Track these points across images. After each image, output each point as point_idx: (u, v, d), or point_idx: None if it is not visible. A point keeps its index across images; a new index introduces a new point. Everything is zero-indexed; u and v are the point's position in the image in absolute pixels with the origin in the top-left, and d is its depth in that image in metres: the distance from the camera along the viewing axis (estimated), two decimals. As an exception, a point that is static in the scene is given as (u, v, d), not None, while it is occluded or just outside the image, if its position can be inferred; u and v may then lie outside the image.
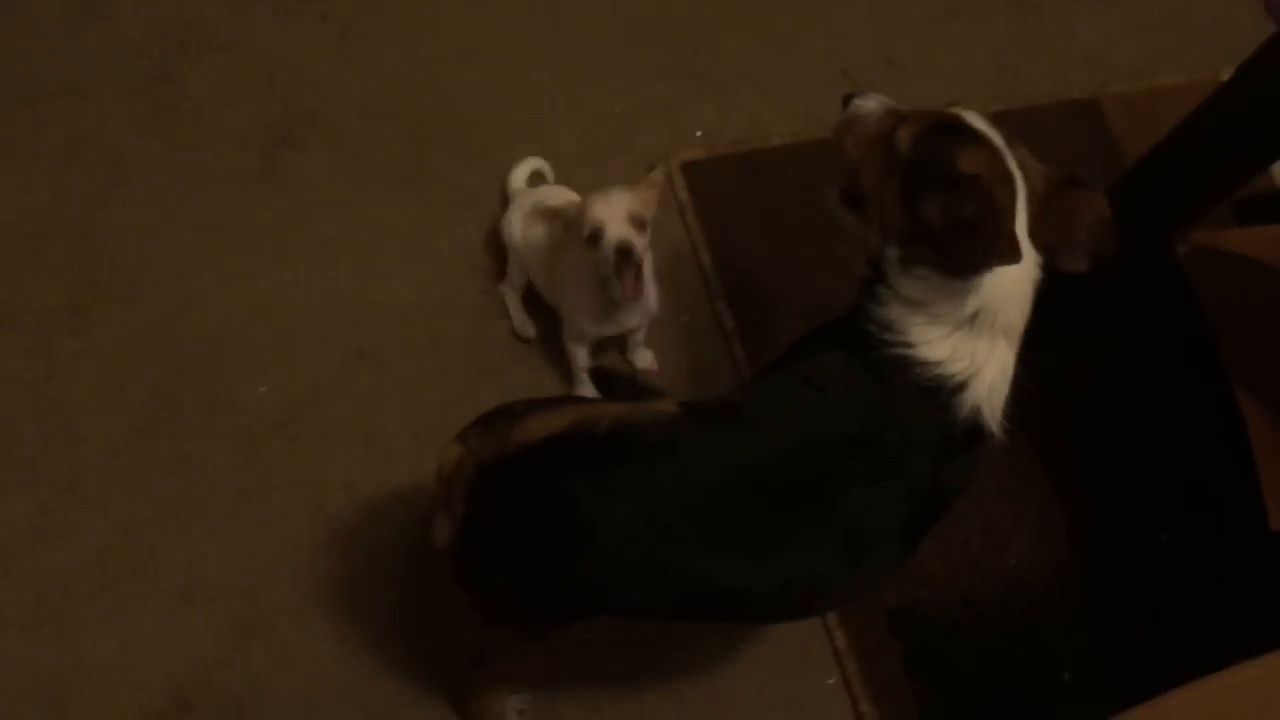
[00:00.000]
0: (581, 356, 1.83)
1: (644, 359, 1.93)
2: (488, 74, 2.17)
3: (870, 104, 1.42)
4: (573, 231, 1.69)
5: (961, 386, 1.28)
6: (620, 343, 1.93)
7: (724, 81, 2.22)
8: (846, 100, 1.43)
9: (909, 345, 1.28)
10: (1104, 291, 1.91)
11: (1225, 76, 1.64)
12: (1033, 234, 1.32)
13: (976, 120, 1.33)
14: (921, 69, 2.30)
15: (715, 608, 1.32)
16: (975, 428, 1.30)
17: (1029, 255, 1.30)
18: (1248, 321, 1.84)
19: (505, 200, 1.99)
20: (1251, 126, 1.54)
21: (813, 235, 2.08)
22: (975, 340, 1.29)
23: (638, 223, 1.62)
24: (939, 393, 1.27)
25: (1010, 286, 1.29)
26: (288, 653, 1.65)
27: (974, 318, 1.28)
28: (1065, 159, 2.17)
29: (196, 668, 1.63)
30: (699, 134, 2.16)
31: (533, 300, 1.91)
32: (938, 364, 1.27)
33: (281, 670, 1.64)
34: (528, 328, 1.92)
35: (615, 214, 1.61)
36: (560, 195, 1.91)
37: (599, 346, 1.89)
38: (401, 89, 2.13)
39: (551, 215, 1.82)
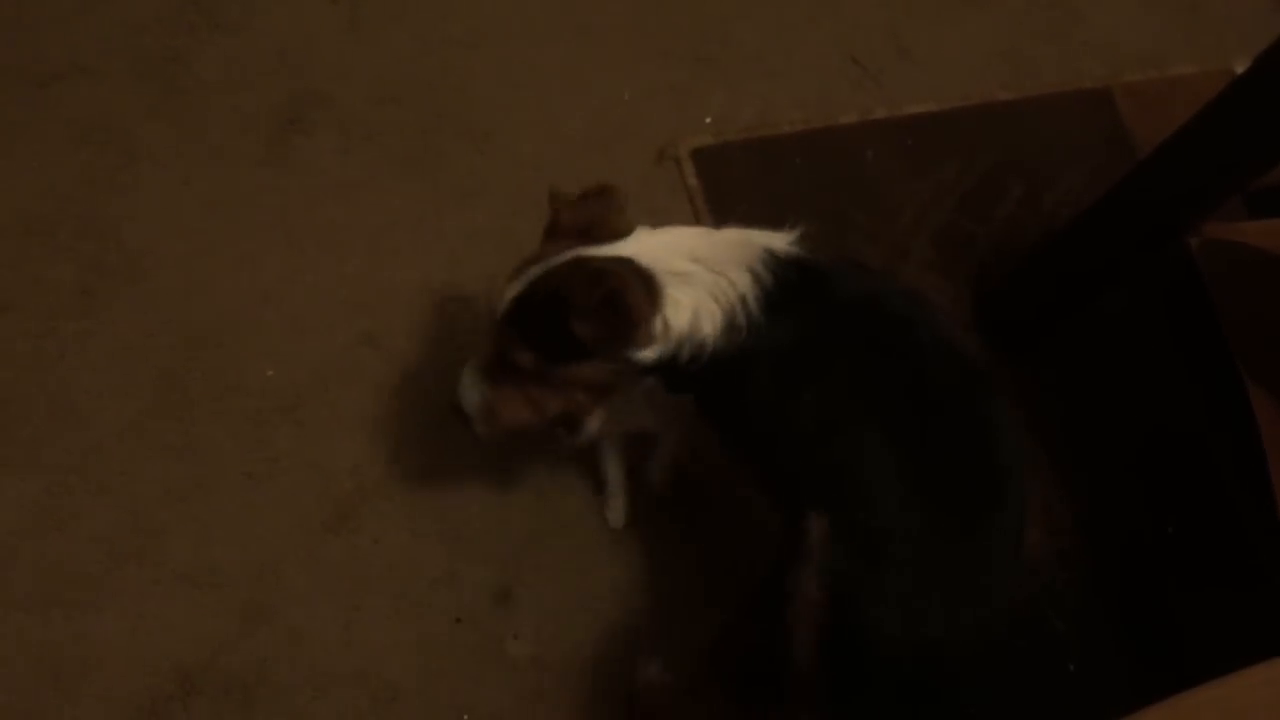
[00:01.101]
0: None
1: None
2: (497, 58, 2.16)
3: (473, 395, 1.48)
4: None
5: None
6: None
7: (734, 68, 2.21)
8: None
9: None
10: (1111, 283, 1.90)
11: (1238, 67, 1.63)
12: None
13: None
14: (933, 56, 2.29)
15: None
16: None
17: None
18: (1259, 313, 1.83)
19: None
20: (1268, 118, 1.53)
21: (822, 222, 2.06)
22: None
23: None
24: None
25: None
26: (294, 636, 1.66)
27: None
28: (1076, 148, 2.20)
29: (202, 651, 1.63)
30: (709, 120, 2.15)
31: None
32: None
33: (287, 654, 1.64)
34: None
35: None
36: None
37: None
38: (411, 72, 2.12)
39: None
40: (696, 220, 2.05)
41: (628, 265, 1.35)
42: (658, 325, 1.34)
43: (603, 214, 1.44)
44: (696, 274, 1.36)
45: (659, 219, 2.01)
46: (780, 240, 1.42)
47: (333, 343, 1.85)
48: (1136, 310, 2.03)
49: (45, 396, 1.76)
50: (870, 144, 2.16)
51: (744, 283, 1.35)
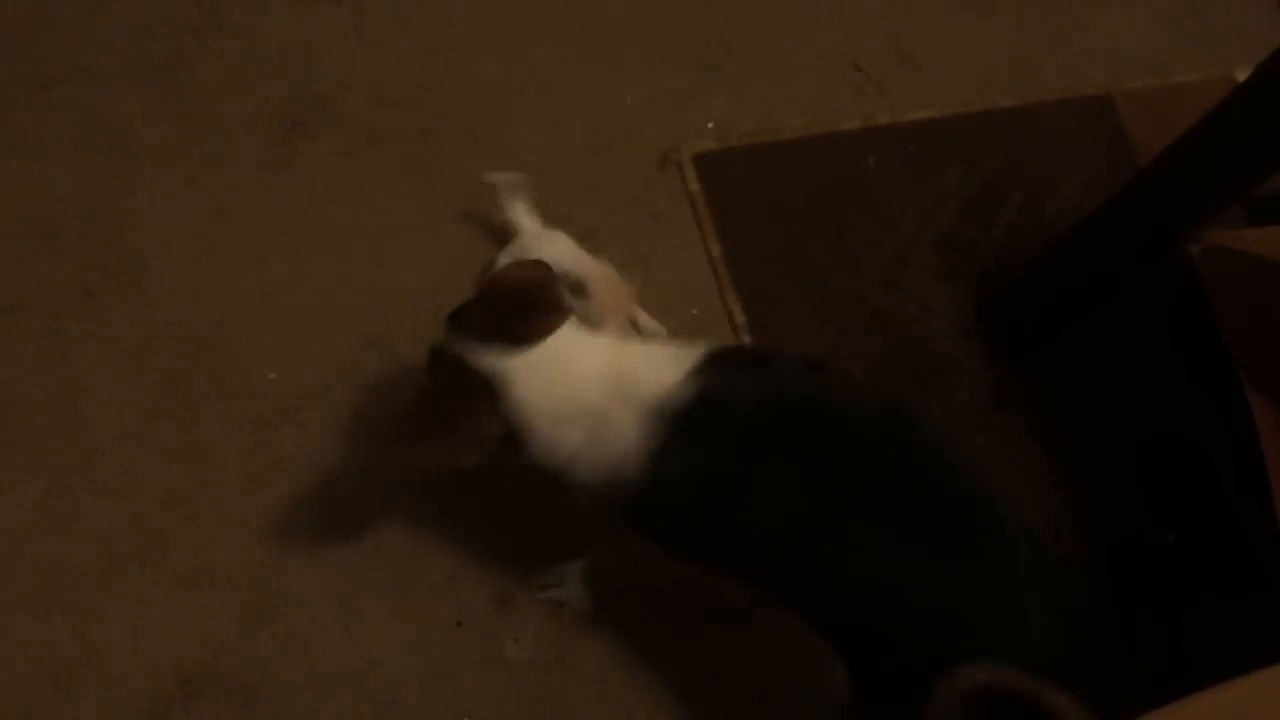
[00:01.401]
0: None
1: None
2: (500, 62, 2.16)
3: None
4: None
5: None
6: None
7: (737, 74, 2.22)
8: None
9: None
10: (1112, 290, 1.91)
11: (1240, 75, 1.63)
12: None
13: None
14: (935, 63, 2.30)
15: None
16: None
17: None
18: (1260, 321, 1.83)
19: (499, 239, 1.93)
20: (1269, 126, 1.54)
21: (823, 228, 2.08)
22: None
23: None
24: None
25: None
26: (294, 639, 1.66)
27: None
28: (1077, 155, 2.20)
29: (203, 653, 1.63)
30: (711, 126, 2.16)
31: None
32: None
33: (288, 657, 1.64)
34: None
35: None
36: (557, 245, 1.84)
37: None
38: (414, 76, 2.12)
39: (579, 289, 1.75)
40: (698, 225, 2.05)
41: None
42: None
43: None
44: (581, 420, 1.37)
45: (661, 224, 2.04)
46: (677, 370, 1.38)
47: (335, 345, 1.86)
48: (1138, 317, 2.03)
49: (47, 397, 1.76)
50: (872, 150, 2.16)
51: (631, 438, 1.35)
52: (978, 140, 2.20)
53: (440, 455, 1.39)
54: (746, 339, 1.95)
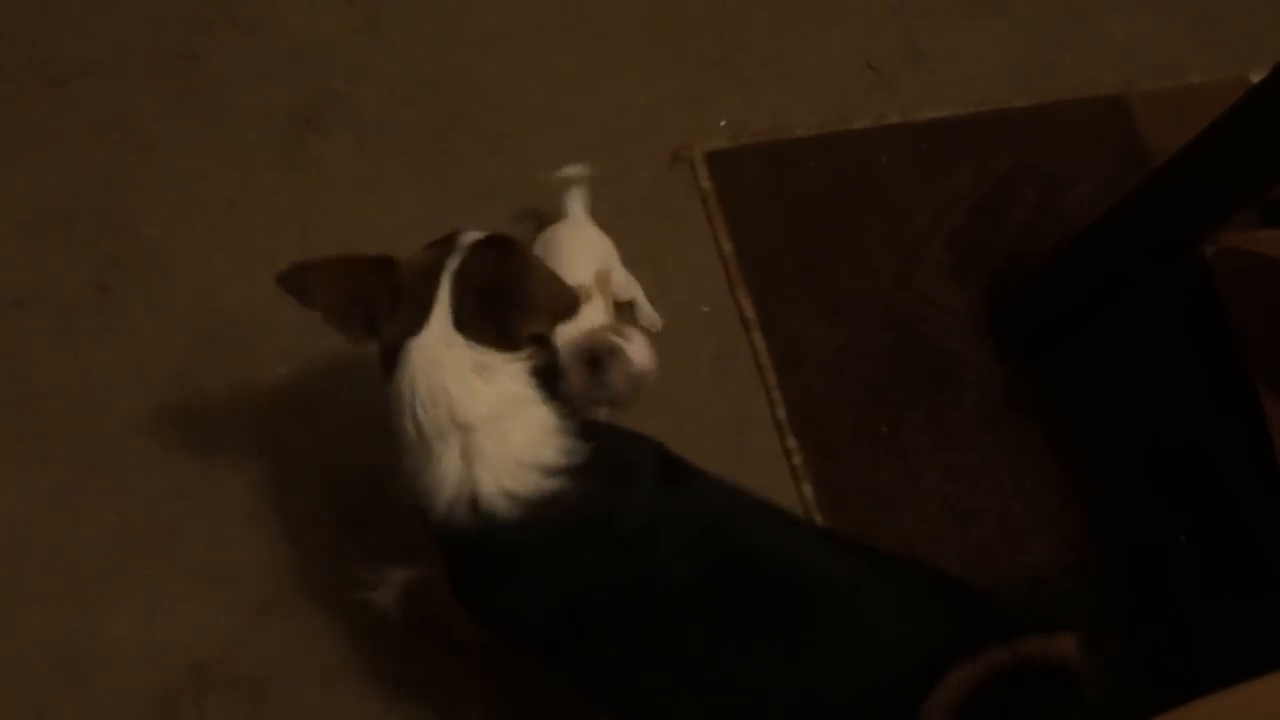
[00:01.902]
0: None
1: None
2: (512, 60, 2.16)
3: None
4: None
5: None
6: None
7: (749, 72, 2.22)
8: None
9: None
10: (1125, 291, 1.90)
11: (1255, 76, 1.63)
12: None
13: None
14: (948, 62, 2.29)
15: None
16: None
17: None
18: (1274, 323, 1.83)
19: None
20: (1285, 128, 1.53)
21: (835, 228, 2.08)
22: None
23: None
24: None
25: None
26: (306, 634, 1.66)
27: None
28: (1090, 156, 2.20)
29: (215, 647, 1.64)
30: (723, 124, 2.15)
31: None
32: None
33: (299, 651, 1.65)
34: None
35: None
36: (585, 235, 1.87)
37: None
38: (426, 73, 2.12)
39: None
40: (709, 223, 2.05)
41: None
42: None
43: None
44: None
45: (673, 222, 2.04)
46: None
47: (345, 343, 1.85)
48: (1151, 318, 2.03)
49: (61, 391, 1.77)
50: (884, 149, 2.16)
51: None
52: (990, 140, 2.19)
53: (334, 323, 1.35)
54: (757, 336, 1.95)
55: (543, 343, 1.34)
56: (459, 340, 1.28)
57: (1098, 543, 1.86)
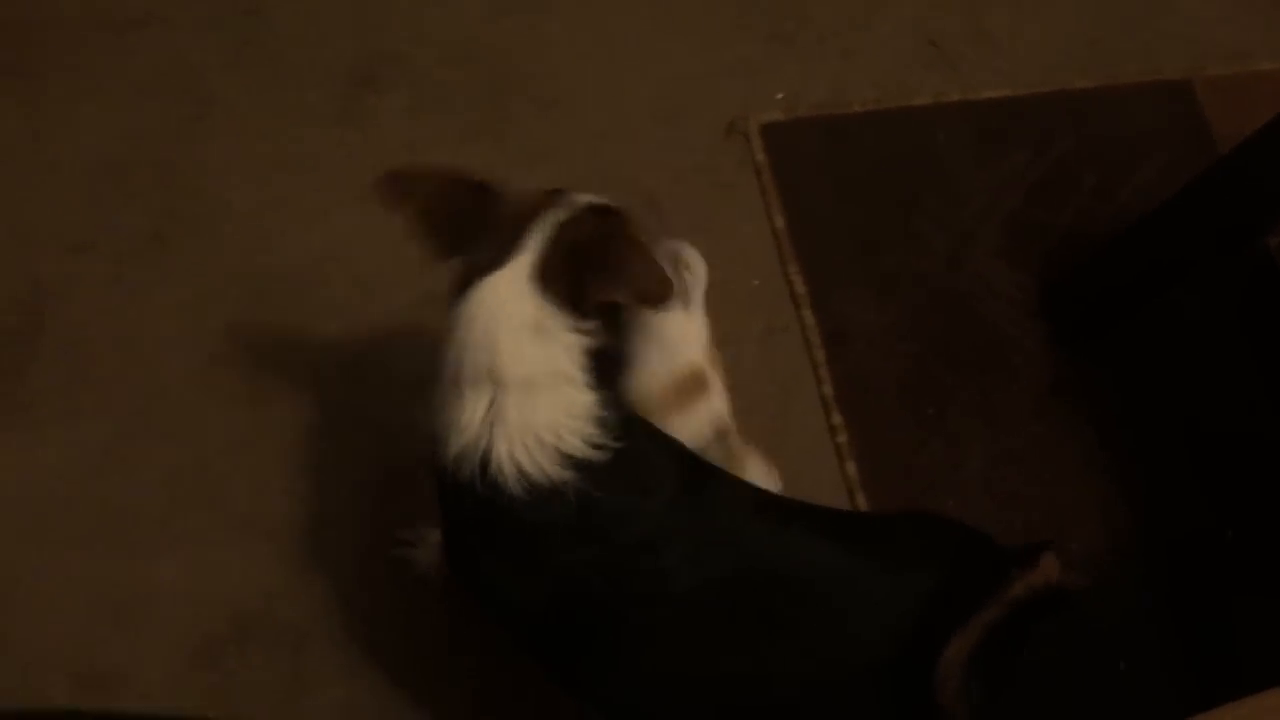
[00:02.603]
0: None
1: None
2: (569, 25, 2.15)
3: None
4: None
5: None
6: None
7: (808, 45, 2.19)
8: None
9: None
10: (1184, 280, 1.87)
11: (1330, 65, 1.59)
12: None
13: None
14: (1011, 41, 2.26)
15: None
16: None
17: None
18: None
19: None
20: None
21: (889, 204, 2.06)
22: None
23: None
24: None
25: None
26: (348, 590, 1.68)
27: None
28: (1153, 141, 2.16)
29: (258, 598, 1.66)
30: (780, 96, 2.14)
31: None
32: None
33: (341, 607, 1.66)
34: None
35: None
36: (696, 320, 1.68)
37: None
38: (482, 35, 2.12)
39: None
40: (762, 195, 2.03)
41: None
42: None
43: None
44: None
45: (725, 194, 2.03)
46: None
47: (395, 301, 1.86)
48: (1209, 308, 1.99)
49: (115, 340, 1.79)
50: (943, 127, 2.13)
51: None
52: (1051, 121, 2.16)
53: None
54: (806, 312, 1.94)
55: (613, 325, 1.29)
56: (529, 292, 1.22)
57: (1143, 534, 1.84)
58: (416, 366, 1.81)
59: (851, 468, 1.83)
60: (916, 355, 1.94)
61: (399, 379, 1.81)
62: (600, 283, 1.22)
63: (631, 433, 1.27)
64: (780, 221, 2.01)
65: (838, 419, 1.86)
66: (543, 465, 1.21)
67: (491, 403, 1.22)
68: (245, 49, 2.03)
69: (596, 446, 1.22)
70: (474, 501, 1.23)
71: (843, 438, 1.85)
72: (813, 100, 2.13)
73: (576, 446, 1.21)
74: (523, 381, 1.21)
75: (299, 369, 1.80)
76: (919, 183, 2.08)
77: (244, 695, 1.61)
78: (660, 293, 1.25)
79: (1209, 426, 1.95)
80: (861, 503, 1.80)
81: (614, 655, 1.28)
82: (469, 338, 1.23)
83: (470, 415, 1.22)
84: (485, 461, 1.21)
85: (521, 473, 1.21)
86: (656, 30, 2.17)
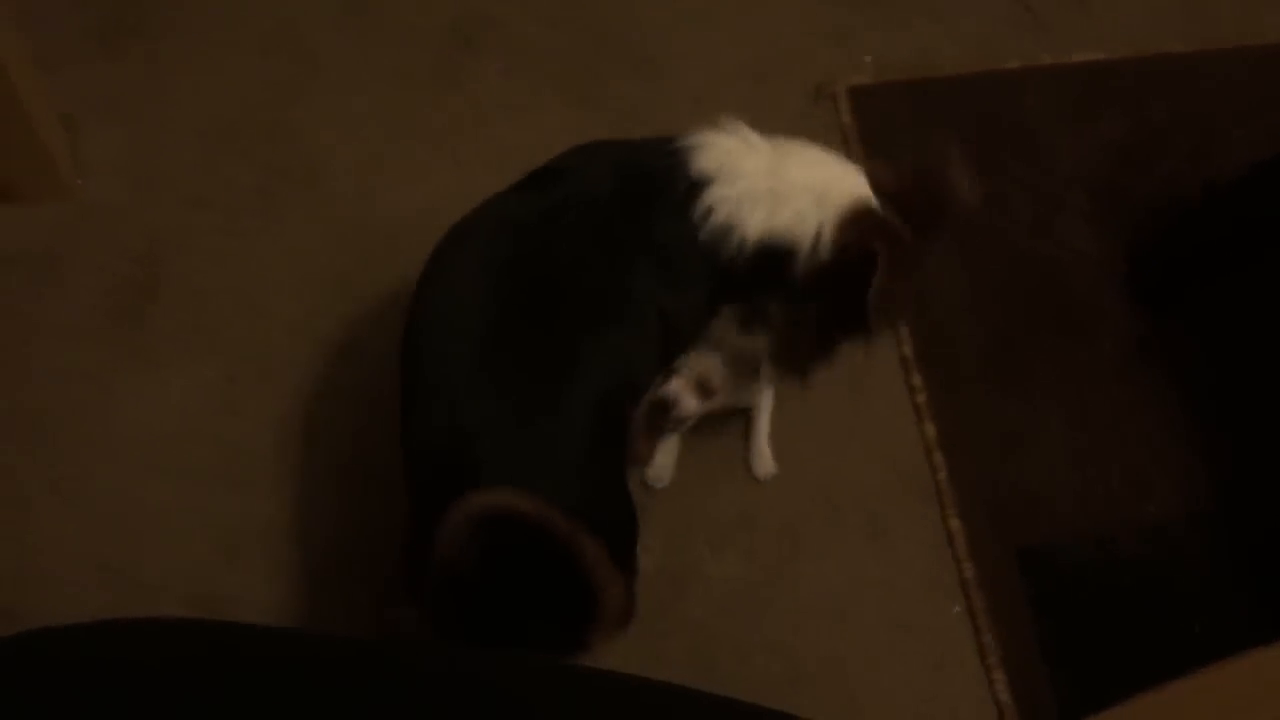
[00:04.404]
0: None
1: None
2: (663, -12, 2.19)
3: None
4: None
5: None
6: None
7: (899, 7, 2.21)
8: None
9: None
10: (1275, 246, 1.85)
11: None
12: None
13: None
14: (1105, 4, 2.25)
15: None
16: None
17: None
18: None
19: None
20: None
21: (975, 168, 2.06)
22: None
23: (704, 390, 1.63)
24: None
25: None
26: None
27: None
28: (1250, 107, 2.13)
29: (359, 530, 1.75)
30: (868, 59, 2.15)
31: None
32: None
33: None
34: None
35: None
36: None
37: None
38: (578, -2, 2.17)
39: None
40: (849, 158, 2.04)
41: None
42: None
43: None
44: None
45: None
46: None
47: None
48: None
49: (227, 289, 1.89)
50: (1032, 91, 2.13)
51: None
52: (1145, 85, 2.14)
53: None
54: (889, 274, 1.96)
55: None
56: None
57: (1223, 501, 1.84)
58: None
59: (930, 428, 1.86)
60: (998, 317, 1.95)
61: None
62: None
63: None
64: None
65: (917, 379, 1.89)
66: None
67: None
68: (351, 12, 2.11)
69: None
70: None
71: (921, 398, 1.88)
72: (901, 63, 2.15)
73: None
74: None
75: (397, 323, 1.87)
76: (1006, 146, 2.08)
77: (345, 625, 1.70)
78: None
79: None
80: (939, 462, 1.83)
81: None
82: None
83: None
84: None
85: None
86: (751, -6, 2.20)
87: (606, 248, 1.39)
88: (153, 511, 1.72)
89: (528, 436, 1.31)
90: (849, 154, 2.06)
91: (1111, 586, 1.78)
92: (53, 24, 2.07)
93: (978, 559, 1.77)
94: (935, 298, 1.95)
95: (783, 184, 1.40)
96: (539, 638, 1.32)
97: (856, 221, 1.40)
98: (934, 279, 1.96)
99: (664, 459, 1.78)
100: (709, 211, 1.39)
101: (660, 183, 1.41)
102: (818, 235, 1.40)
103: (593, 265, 1.38)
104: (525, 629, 1.31)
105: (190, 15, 2.10)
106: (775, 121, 2.05)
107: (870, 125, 2.07)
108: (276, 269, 1.91)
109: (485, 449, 1.29)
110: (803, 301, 1.47)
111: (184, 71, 2.05)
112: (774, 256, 1.41)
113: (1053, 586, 1.76)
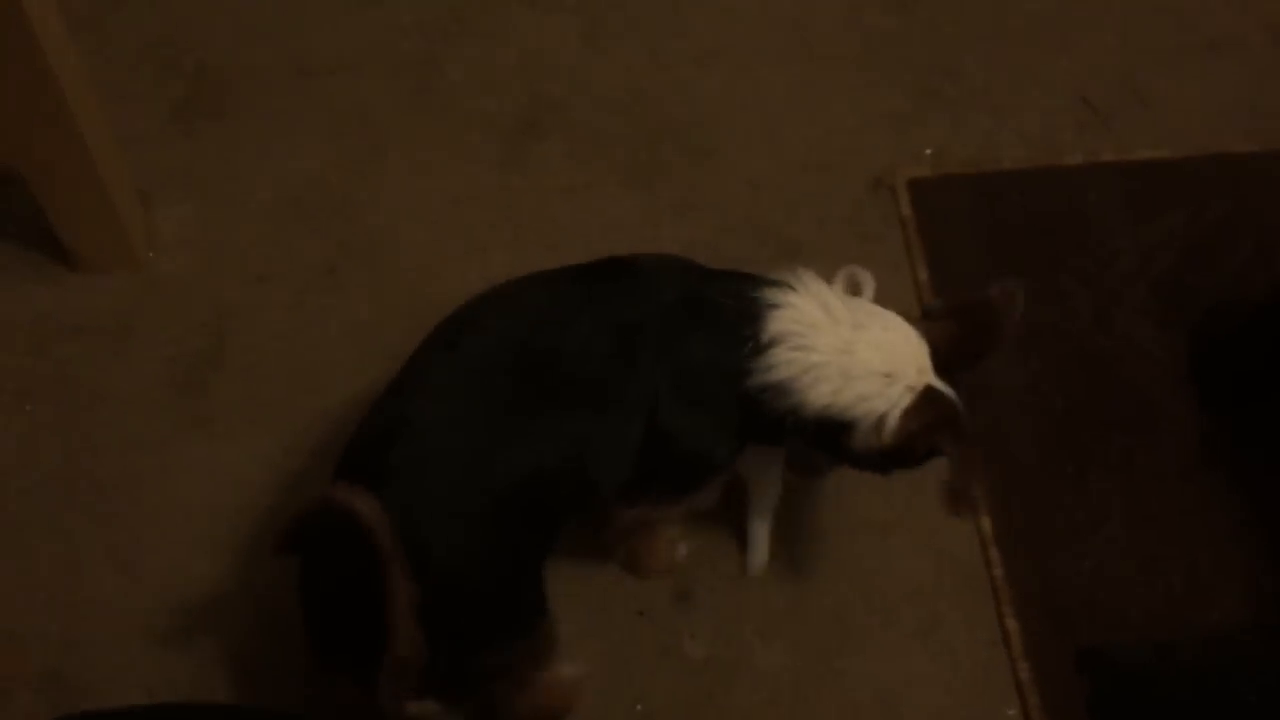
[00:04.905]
0: None
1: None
2: (725, 77, 2.23)
3: None
4: None
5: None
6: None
7: (960, 101, 2.22)
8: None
9: None
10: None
11: None
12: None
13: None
14: (1168, 103, 2.24)
15: None
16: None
17: None
18: None
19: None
20: None
21: (1035, 263, 2.06)
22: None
23: None
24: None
25: None
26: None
27: None
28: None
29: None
30: (929, 152, 2.17)
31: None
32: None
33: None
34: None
35: None
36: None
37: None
38: (641, 85, 2.21)
39: None
40: (906, 250, 2.06)
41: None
42: None
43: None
44: None
45: (869, 245, 2.06)
46: None
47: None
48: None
49: (288, 362, 1.92)
50: (1094, 187, 2.13)
51: None
52: (1208, 184, 2.13)
53: None
54: (946, 366, 1.95)
55: None
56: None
57: (1289, 609, 1.79)
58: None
59: (986, 523, 1.83)
60: (1058, 413, 1.93)
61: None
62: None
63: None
64: (924, 274, 2.03)
65: (974, 473, 1.87)
66: None
67: None
68: (420, 95, 2.17)
69: None
70: None
71: (977, 491, 1.85)
72: (961, 156, 2.16)
73: None
74: None
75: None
76: (1067, 241, 2.07)
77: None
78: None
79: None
80: (995, 558, 1.80)
81: None
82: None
83: None
84: None
85: None
86: (810, 84, 2.23)
87: (629, 345, 1.39)
88: (201, 584, 1.74)
89: (446, 469, 1.32)
90: (907, 245, 2.06)
91: (1170, 696, 1.73)
92: (133, 102, 2.15)
93: (1033, 659, 1.73)
94: (993, 390, 1.93)
95: (854, 365, 1.38)
96: (343, 659, 1.33)
97: (921, 412, 1.40)
98: (993, 372, 1.94)
99: (758, 555, 1.78)
100: (770, 369, 1.38)
101: (721, 318, 1.40)
102: (881, 421, 1.39)
103: (606, 355, 1.39)
104: (333, 644, 1.34)
105: (265, 96, 2.17)
106: (833, 210, 2.10)
107: (929, 218, 2.07)
108: (338, 343, 1.94)
109: (400, 456, 1.32)
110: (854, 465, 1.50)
111: (255, 150, 2.12)
112: (830, 427, 1.41)
113: (1110, 690, 1.71)
